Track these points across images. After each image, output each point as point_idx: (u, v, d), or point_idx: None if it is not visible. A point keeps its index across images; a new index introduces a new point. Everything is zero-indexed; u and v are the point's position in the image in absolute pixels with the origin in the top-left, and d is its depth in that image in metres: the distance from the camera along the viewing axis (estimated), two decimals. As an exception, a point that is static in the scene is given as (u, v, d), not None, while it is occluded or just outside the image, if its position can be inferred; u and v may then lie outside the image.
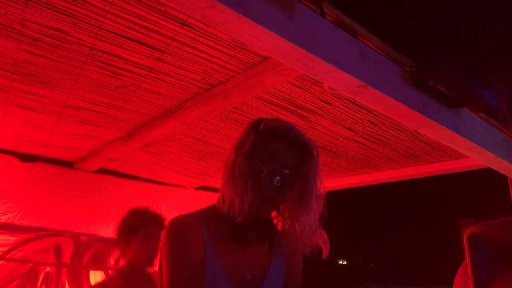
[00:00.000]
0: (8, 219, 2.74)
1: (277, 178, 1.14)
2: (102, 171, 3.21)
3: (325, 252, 1.19)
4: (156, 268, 1.98)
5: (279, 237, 1.25)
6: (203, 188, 3.72)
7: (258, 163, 1.14)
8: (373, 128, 2.39)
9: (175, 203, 3.56)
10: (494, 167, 2.08)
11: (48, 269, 2.84)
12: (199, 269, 1.09)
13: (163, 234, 1.15)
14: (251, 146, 1.15)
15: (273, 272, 1.21)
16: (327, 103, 2.11)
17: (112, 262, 3.09)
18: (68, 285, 2.86)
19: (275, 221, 1.23)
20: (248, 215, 1.13)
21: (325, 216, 1.19)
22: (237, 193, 1.11)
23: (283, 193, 1.16)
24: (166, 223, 2.22)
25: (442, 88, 1.58)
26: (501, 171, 2.13)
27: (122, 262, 2.17)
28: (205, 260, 1.10)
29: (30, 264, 2.77)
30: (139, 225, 2.11)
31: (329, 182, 3.35)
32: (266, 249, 1.22)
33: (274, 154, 1.16)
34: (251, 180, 1.12)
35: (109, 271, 3.03)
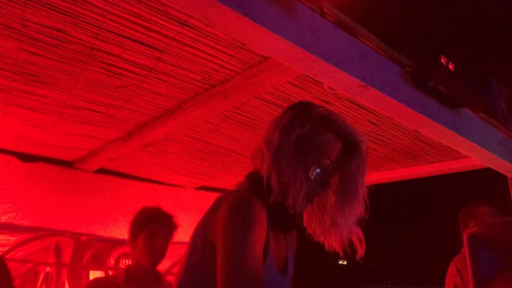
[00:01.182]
0: (8, 219, 2.74)
1: (326, 174, 1.09)
2: (102, 171, 3.21)
3: (360, 252, 1.13)
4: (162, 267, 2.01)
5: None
6: (203, 188, 3.72)
7: (308, 154, 1.07)
8: (373, 128, 2.39)
9: (175, 203, 3.56)
10: (494, 167, 2.08)
11: (48, 269, 2.84)
12: (260, 252, 0.99)
13: (225, 209, 1.01)
14: (300, 134, 1.08)
15: (290, 260, 1.19)
16: (327, 103, 2.11)
17: (112, 262, 3.09)
18: (68, 285, 2.86)
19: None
20: (303, 205, 1.05)
21: (367, 216, 1.14)
22: (290, 183, 1.02)
23: (326, 189, 1.11)
24: (175, 221, 2.23)
25: (442, 88, 1.58)
26: (501, 171, 2.13)
27: (130, 260, 2.20)
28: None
29: (30, 264, 2.77)
30: (144, 223, 2.14)
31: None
32: (284, 238, 1.19)
33: (323, 147, 1.09)
34: (300, 171, 1.04)
35: (109, 271, 3.03)
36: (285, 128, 1.09)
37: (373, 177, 3.19)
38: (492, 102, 1.63)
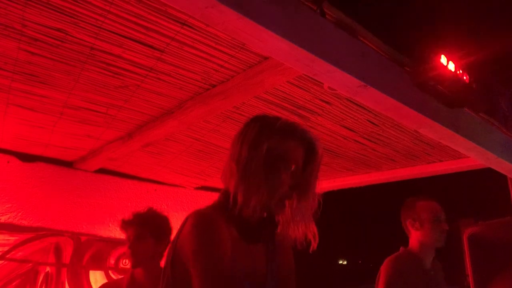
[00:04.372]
0: (8, 219, 2.74)
1: (295, 179, 1.16)
2: (102, 171, 3.21)
3: (314, 245, 1.20)
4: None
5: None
6: (203, 188, 3.72)
7: (277, 163, 1.14)
8: (373, 128, 2.39)
9: (175, 203, 3.56)
10: (494, 167, 2.08)
11: (48, 269, 2.84)
12: (229, 265, 1.06)
13: (188, 228, 1.09)
14: (268, 145, 1.14)
15: (272, 268, 1.21)
16: (327, 103, 2.11)
17: (112, 262, 3.10)
18: (68, 285, 2.86)
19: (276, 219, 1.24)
20: (260, 214, 1.14)
21: (319, 211, 1.22)
22: (252, 192, 1.10)
23: (295, 192, 1.18)
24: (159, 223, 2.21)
25: (442, 88, 1.58)
26: (501, 171, 2.13)
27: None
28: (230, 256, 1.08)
29: (30, 264, 2.77)
30: (131, 225, 2.12)
31: (329, 182, 3.34)
32: (265, 246, 1.23)
33: (289, 154, 1.16)
34: (267, 180, 1.11)
35: (109, 271, 3.03)
36: (253, 142, 1.16)
37: (373, 177, 3.19)
38: (492, 102, 1.63)
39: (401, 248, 2.26)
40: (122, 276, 2.46)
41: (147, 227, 2.15)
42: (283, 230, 1.20)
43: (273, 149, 1.15)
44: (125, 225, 2.10)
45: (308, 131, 1.22)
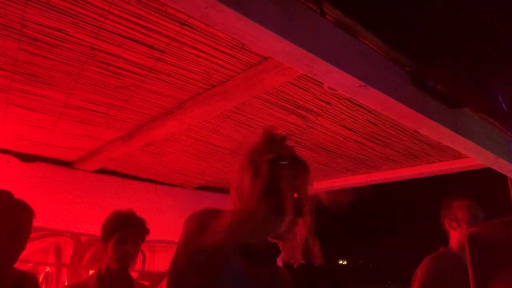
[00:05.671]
0: (8, 219, 2.74)
1: (299, 206, 1.17)
2: (102, 171, 3.21)
3: (320, 261, 1.22)
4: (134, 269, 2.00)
5: (276, 266, 1.30)
6: (203, 188, 3.72)
7: (279, 193, 1.14)
8: (373, 128, 2.39)
9: (175, 203, 3.56)
10: (494, 167, 2.08)
11: (48, 269, 2.84)
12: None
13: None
14: (270, 177, 1.16)
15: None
16: (327, 103, 2.11)
17: (112, 262, 3.09)
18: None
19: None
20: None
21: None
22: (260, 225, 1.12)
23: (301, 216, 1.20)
24: (147, 226, 2.22)
25: (442, 88, 1.58)
26: (501, 171, 2.13)
27: (101, 264, 2.18)
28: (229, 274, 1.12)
29: (30, 264, 2.77)
30: (115, 228, 2.11)
31: (329, 182, 3.35)
32: (268, 270, 1.26)
33: (291, 182, 1.17)
34: (273, 210, 1.12)
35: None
36: (255, 172, 1.19)
37: (373, 177, 3.19)
38: (492, 102, 1.63)
39: (441, 248, 2.28)
40: (85, 278, 2.46)
41: (146, 231, 2.18)
42: (287, 252, 1.22)
43: (275, 181, 1.15)
44: (134, 228, 2.14)
45: (298, 155, 1.24)
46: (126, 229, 2.11)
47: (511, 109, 1.73)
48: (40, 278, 2.80)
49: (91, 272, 2.96)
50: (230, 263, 1.12)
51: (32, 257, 2.79)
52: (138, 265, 3.20)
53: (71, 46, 1.67)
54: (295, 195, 1.17)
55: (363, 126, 2.36)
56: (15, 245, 1.72)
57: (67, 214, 3.00)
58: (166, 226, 3.21)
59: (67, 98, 2.13)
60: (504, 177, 2.32)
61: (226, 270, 1.10)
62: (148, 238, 2.24)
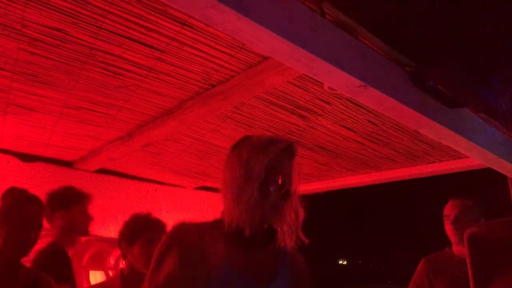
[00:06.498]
0: (8, 219, 2.74)
1: (283, 187, 1.19)
2: (102, 171, 3.21)
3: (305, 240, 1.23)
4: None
5: (284, 249, 1.27)
6: (203, 188, 3.72)
7: (269, 186, 1.17)
8: (373, 128, 2.39)
9: (175, 203, 3.56)
10: (494, 167, 2.08)
11: (48, 269, 2.84)
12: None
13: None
14: (249, 164, 1.17)
15: (280, 280, 1.23)
16: (327, 103, 2.11)
17: (112, 262, 3.09)
18: (68, 285, 2.85)
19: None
20: (259, 227, 1.18)
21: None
22: (244, 214, 1.13)
23: (290, 198, 1.21)
24: (166, 228, 2.23)
25: (442, 88, 1.57)
26: (501, 171, 2.13)
27: (123, 265, 2.18)
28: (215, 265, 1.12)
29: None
30: (142, 230, 2.13)
31: (329, 182, 3.35)
32: (271, 257, 1.25)
33: (279, 169, 1.19)
34: (263, 203, 1.15)
35: (109, 271, 3.02)
36: (235, 165, 1.20)
37: (373, 177, 3.19)
38: (492, 102, 1.63)
39: (446, 248, 2.31)
40: (106, 280, 2.46)
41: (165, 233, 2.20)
42: (283, 236, 1.21)
43: (255, 165, 1.17)
44: (160, 230, 2.16)
45: (287, 139, 1.25)
46: (152, 232, 2.13)
47: (511, 109, 1.73)
48: (40, 278, 2.80)
49: (91, 272, 2.96)
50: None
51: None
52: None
53: (71, 46, 1.67)
54: (279, 176, 1.18)
55: (363, 126, 2.36)
56: (25, 237, 1.73)
57: (67, 214, 2.99)
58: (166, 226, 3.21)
59: (67, 98, 2.13)
60: (504, 177, 2.32)
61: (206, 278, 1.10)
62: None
